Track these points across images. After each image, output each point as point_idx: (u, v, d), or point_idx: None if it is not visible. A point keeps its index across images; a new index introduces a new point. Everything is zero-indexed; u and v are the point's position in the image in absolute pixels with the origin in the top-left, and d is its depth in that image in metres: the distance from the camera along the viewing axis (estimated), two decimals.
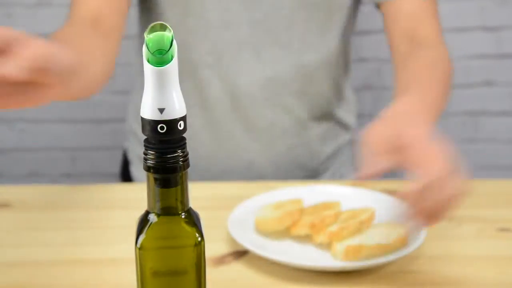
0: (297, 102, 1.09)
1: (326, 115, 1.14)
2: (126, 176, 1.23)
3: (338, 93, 1.15)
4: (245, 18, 1.03)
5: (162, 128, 0.47)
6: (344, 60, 1.14)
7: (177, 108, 0.48)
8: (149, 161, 0.49)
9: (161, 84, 0.47)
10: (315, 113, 1.11)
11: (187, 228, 0.51)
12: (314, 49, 1.07)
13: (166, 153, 0.48)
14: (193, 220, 0.51)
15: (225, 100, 1.07)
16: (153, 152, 0.48)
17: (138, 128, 1.15)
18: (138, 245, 0.50)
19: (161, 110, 0.47)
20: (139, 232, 0.51)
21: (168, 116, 0.47)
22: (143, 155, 0.49)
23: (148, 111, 0.48)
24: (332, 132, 1.16)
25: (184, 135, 0.49)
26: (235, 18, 1.03)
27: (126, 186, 1.10)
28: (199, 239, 0.51)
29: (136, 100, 1.16)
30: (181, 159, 0.49)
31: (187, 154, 0.49)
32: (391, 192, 0.97)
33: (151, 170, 0.49)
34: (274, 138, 1.10)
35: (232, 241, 0.83)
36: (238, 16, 1.03)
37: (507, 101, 1.98)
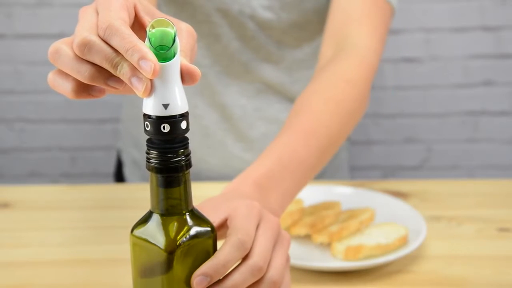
0: (288, 112, 1.08)
1: None
2: (119, 176, 1.22)
3: None
4: (234, 34, 1.03)
5: (164, 127, 0.47)
6: None
7: (180, 104, 0.47)
8: (152, 161, 0.48)
9: (164, 80, 0.47)
10: None
11: (198, 221, 0.51)
12: (305, 66, 1.07)
13: (169, 152, 0.48)
14: (200, 216, 0.52)
15: (214, 111, 1.07)
16: (155, 152, 0.48)
17: (132, 129, 1.14)
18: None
19: (166, 106, 0.47)
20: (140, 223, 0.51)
21: (172, 111, 0.47)
22: (140, 156, 0.49)
23: (152, 107, 0.47)
24: None
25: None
26: (225, 34, 1.02)
27: (126, 186, 1.10)
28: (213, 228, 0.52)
29: (131, 101, 1.15)
30: (183, 159, 0.49)
31: (189, 154, 0.49)
32: (391, 192, 0.97)
33: (154, 170, 0.49)
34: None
35: None
36: (227, 32, 1.02)
37: (506, 101, 1.98)
